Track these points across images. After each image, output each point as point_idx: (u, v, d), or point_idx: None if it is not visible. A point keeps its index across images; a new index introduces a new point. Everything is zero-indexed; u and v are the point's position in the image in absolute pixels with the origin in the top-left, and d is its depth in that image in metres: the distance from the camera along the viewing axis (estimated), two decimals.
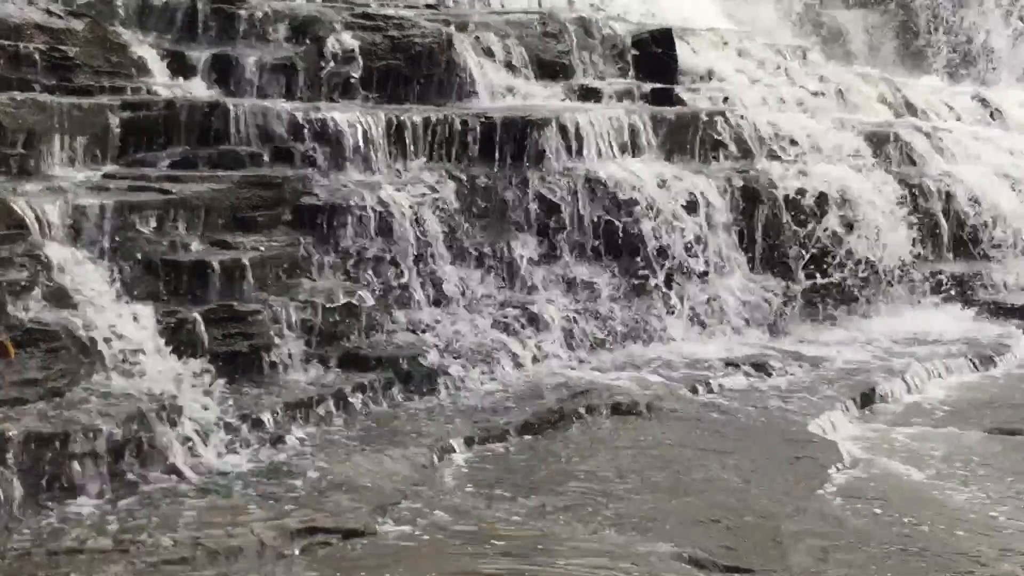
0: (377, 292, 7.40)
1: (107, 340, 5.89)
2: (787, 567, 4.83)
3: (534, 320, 7.92)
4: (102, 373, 5.79)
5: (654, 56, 11.08)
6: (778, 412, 7.13)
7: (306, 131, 7.94)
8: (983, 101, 13.81)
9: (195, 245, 6.83)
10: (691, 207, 8.84)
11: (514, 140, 8.53)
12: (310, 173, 7.70)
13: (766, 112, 10.43)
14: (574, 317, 8.10)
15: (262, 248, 7.00)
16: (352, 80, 9.16)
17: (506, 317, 7.86)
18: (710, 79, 11.27)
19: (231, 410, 5.99)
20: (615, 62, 11.11)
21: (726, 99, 10.71)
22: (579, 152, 8.79)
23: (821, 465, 6.14)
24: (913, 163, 10.77)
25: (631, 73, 11.05)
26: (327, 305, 7.00)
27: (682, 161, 9.33)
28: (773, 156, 9.75)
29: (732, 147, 9.61)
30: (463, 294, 7.84)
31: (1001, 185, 11.06)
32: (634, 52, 11.14)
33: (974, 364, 8.56)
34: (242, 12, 9.31)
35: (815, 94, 11.75)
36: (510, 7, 12.34)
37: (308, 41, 9.23)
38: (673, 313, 8.52)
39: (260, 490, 5.36)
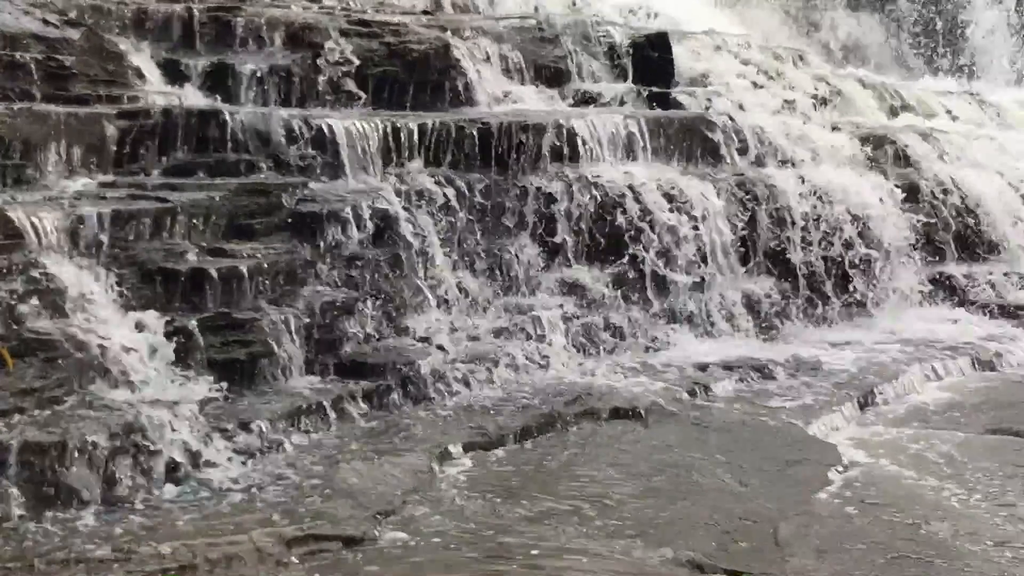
0: (375, 298, 7.40)
1: (105, 349, 5.88)
2: (786, 570, 4.82)
3: (533, 324, 7.92)
4: (100, 382, 5.79)
5: (651, 60, 11.10)
6: (777, 415, 7.12)
7: (303, 138, 7.95)
8: (980, 102, 13.81)
9: (193, 253, 6.82)
10: (689, 210, 8.84)
11: (511, 145, 8.54)
12: (307, 180, 7.70)
13: (763, 115, 10.43)
14: (573, 321, 8.10)
15: (260, 255, 6.99)
16: (349, 87, 9.17)
17: (505, 321, 7.86)
18: (707, 83, 11.27)
19: (229, 418, 5.98)
20: (612, 66, 11.14)
21: (723, 104, 10.72)
22: (576, 156, 8.80)
23: (820, 467, 6.13)
24: (911, 165, 10.77)
25: (628, 77, 11.07)
26: (325, 312, 7.00)
27: (680, 165, 9.34)
28: (771, 159, 9.76)
29: (730, 150, 9.61)
30: (462, 299, 7.84)
31: (1000, 185, 11.06)
32: (631, 56, 11.15)
33: (974, 365, 8.56)
34: (239, 20, 9.32)
35: (812, 97, 11.76)
36: (506, 13, 12.36)
37: (305, 48, 9.25)
38: (672, 317, 8.52)
39: (258, 498, 5.35)
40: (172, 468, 5.51)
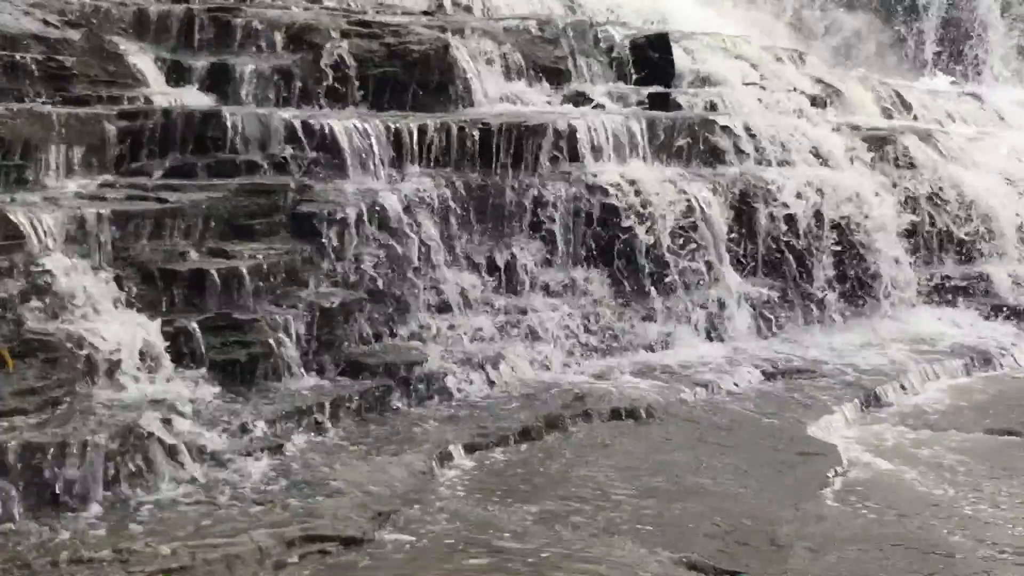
0: (375, 299, 7.40)
1: (105, 350, 5.89)
2: (785, 571, 4.83)
3: (533, 325, 7.92)
4: (100, 382, 5.80)
5: (651, 61, 11.10)
6: (777, 415, 7.13)
7: (304, 139, 7.94)
8: (980, 102, 13.81)
9: (193, 254, 6.83)
10: (689, 211, 8.84)
11: (512, 146, 8.53)
12: (308, 181, 7.70)
13: (763, 116, 10.43)
14: (573, 322, 8.10)
15: (260, 256, 7.00)
16: (349, 87, 9.17)
17: (505, 323, 7.86)
18: (707, 83, 11.27)
19: (230, 419, 5.98)
20: (612, 67, 11.13)
21: (723, 104, 10.72)
22: (577, 157, 8.79)
23: (820, 468, 6.14)
24: (911, 165, 10.76)
25: (628, 78, 11.06)
26: (325, 312, 7.00)
27: (680, 165, 9.33)
28: (771, 160, 9.75)
29: (729, 151, 9.60)
30: (462, 300, 7.84)
31: (1000, 186, 11.06)
32: (631, 57, 11.15)
33: (974, 366, 8.57)
34: (239, 20, 9.33)
35: (812, 97, 11.76)
36: (506, 13, 12.36)
37: (305, 49, 9.24)
38: (671, 318, 8.52)
39: (259, 498, 5.35)
40: (172, 469, 5.51)
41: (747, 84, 11.48)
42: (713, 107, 10.57)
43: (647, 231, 8.60)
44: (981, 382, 8.28)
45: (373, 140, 8.11)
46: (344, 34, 9.40)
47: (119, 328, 6.06)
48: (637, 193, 8.70)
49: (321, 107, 8.93)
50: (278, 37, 9.32)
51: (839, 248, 9.48)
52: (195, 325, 6.40)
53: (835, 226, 9.49)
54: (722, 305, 8.75)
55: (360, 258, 7.48)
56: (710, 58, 11.69)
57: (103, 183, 7.31)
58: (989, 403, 7.70)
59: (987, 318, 9.78)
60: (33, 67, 7.67)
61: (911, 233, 10.10)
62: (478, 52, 9.96)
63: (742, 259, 9.13)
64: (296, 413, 6.28)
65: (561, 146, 8.75)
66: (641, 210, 8.64)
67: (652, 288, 8.53)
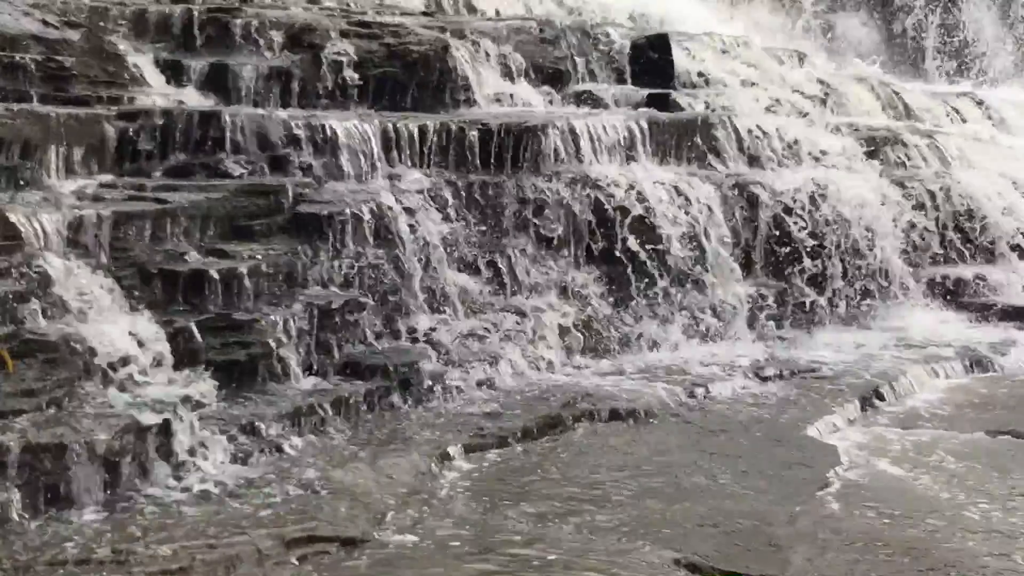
0: (375, 299, 7.40)
1: (104, 350, 5.88)
2: (785, 571, 4.83)
3: (532, 326, 7.92)
4: (100, 383, 5.79)
5: (651, 61, 11.10)
6: (776, 416, 7.12)
7: (303, 139, 7.94)
8: (980, 103, 13.80)
9: (192, 254, 6.83)
10: (688, 212, 8.83)
11: (511, 146, 8.54)
12: (307, 181, 7.70)
13: (763, 116, 10.43)
14: (572, 323, 8.10)
15: (259, 257, 7.00)
16: (349, 88, 9.17)
17: (504, 323, 7.86)
18: (707, 84, 11.26)
19: (229, 419, 5.99)
20: (612, 68, 11.13)
21: (723, 105, 10.71)
22: (576, 158, 8.80)
23: (819, 469, 6.14)
24: (911, 166, 10.76)
25: (628, 78, 11.07)
26: (325, 313, 7.00)
27: (679, 166, 9.33)
28: (770, 160, 9.75)
29: (729, 152, 9.60)
30: (461, 301, 7.84)
31: (999, 186, 11.05)
32: (631, 57, 11.15)
33: (973, 367, 8.56)
34: (238, 21, 9.33)
35: (812, 98, 11.75)
36: (506, 14, 12.37)
37: (305, 49, 9.25)
38: (671, 319, 8.52)
39: (258, 499, 5.35)
40: (172, 469, 5.52)
41: (747, 85, 11.47)
42: (713, 108, 10.56)
43: (647, 232, 8.59)
44: (982, 383, 8.26)
45: (372, 140, 8.11)
46: (344, 34, 9.42)
47: (118, 329, 6.06)
48: (637, 194, 8.70)
49: (321, 108, 8.92)
50: (278, 37, 9.32)
51: (839, 249, 9.47)
52: (194, 325, 6.40)
53: (835, 226, 9.49)
54: (722, 306, 8.74)
55: (359, 258, 7.48)
56: (710, 59, 11.68)
57: (102, 183, 7.30)
58: (989, 404, 7.69)
59: (987, 319, 9.76)
60: (33, 67, 7.65)
61: (910, 234, 10.09)
62: (478, 53, 9.96)
63: (741, 260, 9.12)
64: (296, 413, 6.28)
65: (561, 147, 8.75)
66: (641, 211, 8.64)
67: (652, 289, 8.53)
